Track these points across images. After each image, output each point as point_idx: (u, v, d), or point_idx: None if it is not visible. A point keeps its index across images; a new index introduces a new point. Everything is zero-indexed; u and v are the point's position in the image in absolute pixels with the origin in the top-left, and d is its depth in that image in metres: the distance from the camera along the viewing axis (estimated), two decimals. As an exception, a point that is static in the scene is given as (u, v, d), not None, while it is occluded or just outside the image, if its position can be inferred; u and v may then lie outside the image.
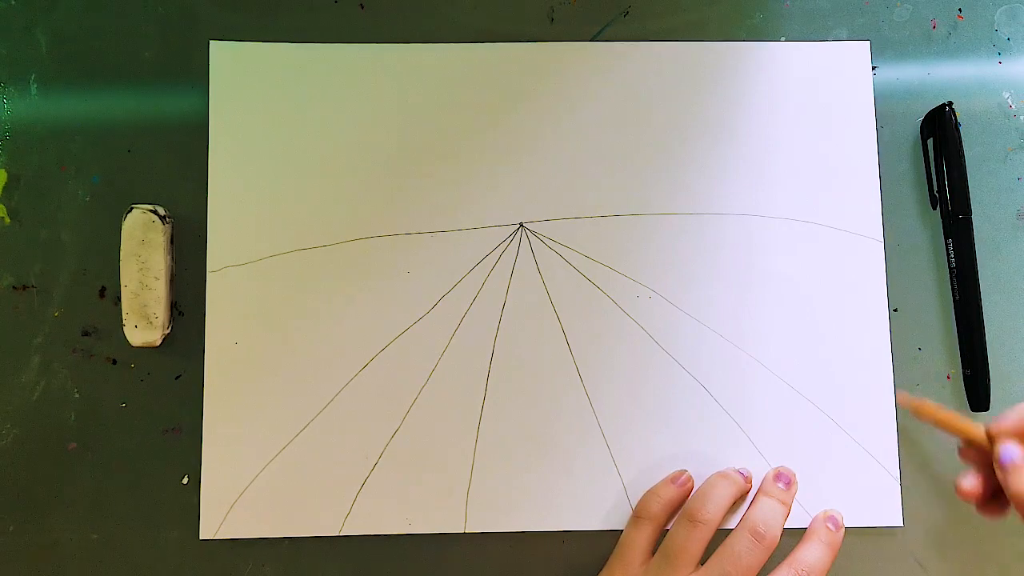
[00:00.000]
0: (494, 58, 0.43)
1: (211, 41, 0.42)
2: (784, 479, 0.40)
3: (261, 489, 0.40)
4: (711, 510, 0.38)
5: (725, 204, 0.42)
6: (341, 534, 0.40)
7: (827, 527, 0.39)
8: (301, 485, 0.40)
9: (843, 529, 0.39)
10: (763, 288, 0.42)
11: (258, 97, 0.42)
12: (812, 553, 0.38)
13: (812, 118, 0.43)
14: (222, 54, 0.42)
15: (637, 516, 0.40)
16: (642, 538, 0.39)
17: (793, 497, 0.40)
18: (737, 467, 0.41)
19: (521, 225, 0.42)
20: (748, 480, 0.40)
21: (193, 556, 0.40)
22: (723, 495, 0.39)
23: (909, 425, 0.41)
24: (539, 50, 0.43)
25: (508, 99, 0.43)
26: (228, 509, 0.40)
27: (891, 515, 0.41)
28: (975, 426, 0.36)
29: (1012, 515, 0.35)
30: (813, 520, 0.40)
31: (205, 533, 0.40)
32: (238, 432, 0.40)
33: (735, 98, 0.43)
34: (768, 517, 0.38)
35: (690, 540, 0.37)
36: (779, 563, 0.37)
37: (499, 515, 0.41)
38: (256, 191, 0.42)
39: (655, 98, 0.43)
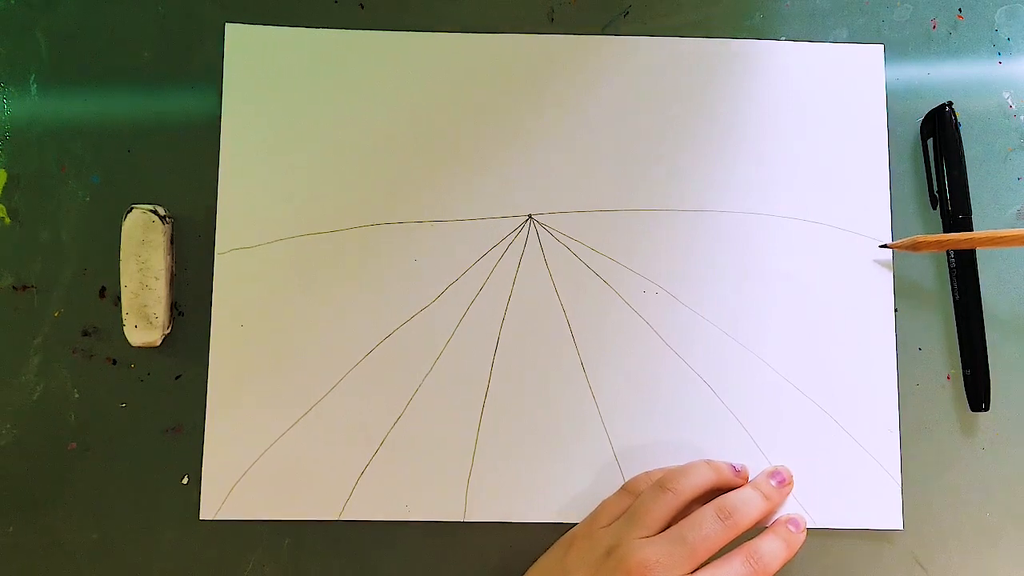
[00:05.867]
0: (509, 48, 0.43)
1: (226, 24, 0.42)
2: (778, 477, 0.40)
3: (262, 471, 0.40)
4: (682, 483, 0.38)
5: (734, 202, 0.42)
6: (341, 519, 0.40)
7: (788, 528, 0.39)
8: (302, 469, 0.40)
9: (805, 532, 0.39)
10: (770, 288, 0.42)
11: (271, 80, 0.42)
12: (768, 545, 0.37)
13: (825, 120, 0.43)
14: (236, 36, 0.42)
15: (622, 488, 0.40)
16: (618, 506, 0.39)
17: (783, 497, 0.40)
18: (736, 463, 0.40)
19: (530, 217, 0.42)
20: (741, 475, 0.40)
21: (193, 556, 0.40)
22: (700, 475, 0.39)
23: (911, 427, 0.41)
24: (553, 42, 0.43)
25: (521, 90, 0.43)
26: (229, 490, 0.40)
27: (891, 518, 0.41)
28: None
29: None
30: (776, 519, 0.40)
31: (205, 514, 0.40)
32: (241, 414, 0.41)
33: (748, 97, 0.43)
34: (741, 501, 0.38)
35: (656, 504, 0.37)
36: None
37: (498, 505, 0.41)
38: (266, 174, 0.42)
39: (668, 93, 0.43)
